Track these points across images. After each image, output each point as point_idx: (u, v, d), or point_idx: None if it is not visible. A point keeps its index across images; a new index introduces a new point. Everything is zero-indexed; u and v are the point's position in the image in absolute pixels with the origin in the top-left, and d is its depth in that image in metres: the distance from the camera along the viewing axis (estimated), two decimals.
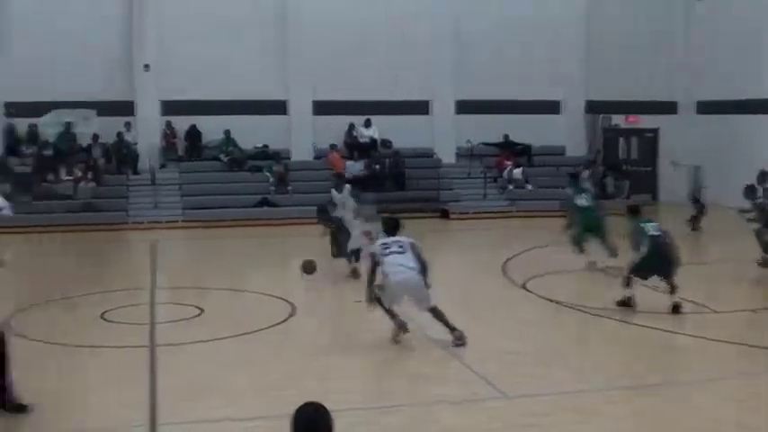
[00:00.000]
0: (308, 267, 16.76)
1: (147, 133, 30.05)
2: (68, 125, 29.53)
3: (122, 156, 29.59)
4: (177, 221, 27.34)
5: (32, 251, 22.21)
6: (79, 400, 9.79)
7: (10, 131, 29.44)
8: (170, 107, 30.16)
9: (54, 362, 10.83)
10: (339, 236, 17.73)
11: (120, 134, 29.72)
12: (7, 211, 26.09)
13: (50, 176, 28.20)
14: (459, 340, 11.96)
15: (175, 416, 9.23)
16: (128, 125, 29.87)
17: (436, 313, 12.13)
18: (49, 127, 29.56)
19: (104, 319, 14.01)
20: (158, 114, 30.29)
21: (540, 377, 10.53)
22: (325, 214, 18.50)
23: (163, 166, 29.92)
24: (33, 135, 29.41)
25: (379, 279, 12.17)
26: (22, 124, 29.37)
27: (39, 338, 11.67)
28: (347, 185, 21.27)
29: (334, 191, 21.27)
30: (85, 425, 9.16)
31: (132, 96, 29.96)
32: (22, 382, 9.44)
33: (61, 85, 28.41)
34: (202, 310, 14.57)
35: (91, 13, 29.28)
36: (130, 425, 8.96)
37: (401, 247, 12.20)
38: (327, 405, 5.00)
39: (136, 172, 29.53)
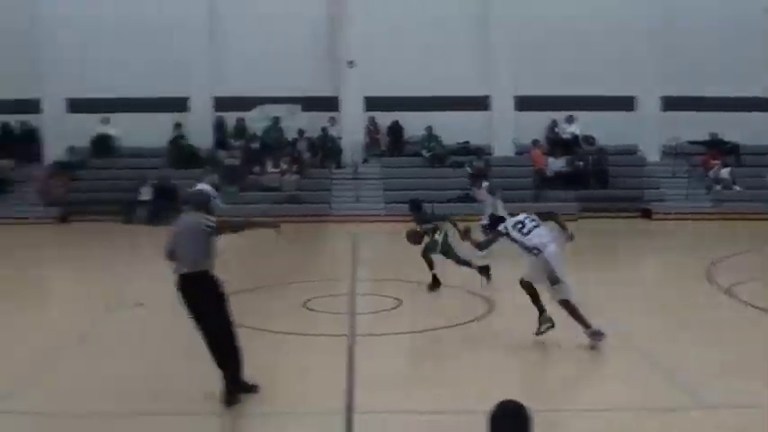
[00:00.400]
0: (414, 237, 16.25)
1: (350, 128, 30.77)
2: (276, 119, 30.59)
3: (326, 150, 30.40)
4: (380, 215, 27.83)
5: (239, 240, 23.03)
6: (282, 386, 10.09)
7: (219, 125, 30.78)
8: (373, 103, 30.73)
9: (261, 347, 11.21)
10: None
11: (324, 129, 30.57)
12: (218, 200, 27.21)
13: (257, 168, 29.29)
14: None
15: (371, 405, 9.38)
16: (332, 120, 30.68)
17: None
18: (256, 121, 30.74)
19: (307, 308, 14.44)
20: (362, 110, 30.94)
21: (740, 389, 9.95)
22: (419, 212, 16.57)
23: (365, 160, 30.51)
24: (241, 129, 30.63)
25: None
26: (230, 118, 30.63)
27: (248, 325, 12.05)
28: (485, 183, 20.71)
29: (474, 188, 20.54)
30: (287, 410, 9.44)
31: (337, 92, 30.73)
32: None
33: (268, 81, 29.45)
34: (401, 302, 14.80)
35: (297, 10, 30.22)
36: (329, 412, 9.18)
37: (533, 220, 11.74)
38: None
39: (339, 166, 30.27)
